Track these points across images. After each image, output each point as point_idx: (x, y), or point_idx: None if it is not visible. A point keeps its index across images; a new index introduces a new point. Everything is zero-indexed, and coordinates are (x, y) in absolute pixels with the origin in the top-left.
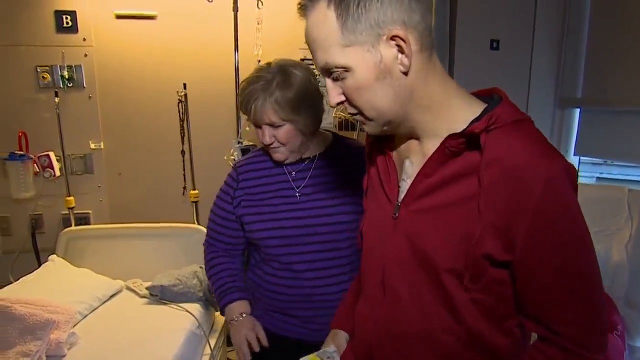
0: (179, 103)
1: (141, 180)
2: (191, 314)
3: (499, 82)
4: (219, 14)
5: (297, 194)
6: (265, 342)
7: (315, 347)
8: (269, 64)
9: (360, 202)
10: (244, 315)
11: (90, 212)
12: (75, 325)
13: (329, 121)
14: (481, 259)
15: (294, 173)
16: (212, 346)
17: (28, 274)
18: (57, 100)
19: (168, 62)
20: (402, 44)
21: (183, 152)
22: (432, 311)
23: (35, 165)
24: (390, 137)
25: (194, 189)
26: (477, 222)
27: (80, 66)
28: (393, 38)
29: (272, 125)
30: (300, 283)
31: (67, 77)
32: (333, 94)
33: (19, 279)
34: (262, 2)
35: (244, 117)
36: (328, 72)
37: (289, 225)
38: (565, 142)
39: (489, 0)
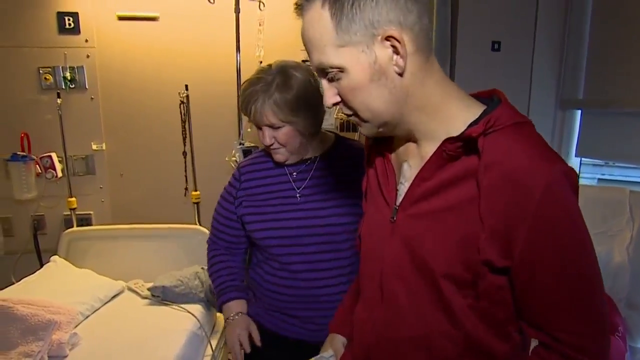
0: (180, 104)
1: (143, 181)
2: (192, 314)
3: (500, 83)
4: (220, 15)
5: (298, 195)
6: (258, 342)
7: (315, 347)
8: (269, 66)
9: (361, 203)
10: (239, 314)
11: (91, 212)
12: (76, 326)
13: (330, 122)
14: (479, 265)
15: (294, 174)
16: (213, 347)
17: (30, 275)
18: (59, 101)
19: (170, 63)
20: (396, 44)
21: (184, 153)
22: (430, 315)
23: (37, 166)
24: (389, 139)
25: (195, 190)
26: (476, 226)
27: (82, 67)
28: (388, 38)
29: (272, 127)
30: (298, 283)
31: (69, 78)
32: (328, 94)
33: (20, 280)
34: (263, 3)
35: (245, 118)
36: (323, 72)
37: (288, 225)
38: (567, 143)
39: (490, 1)
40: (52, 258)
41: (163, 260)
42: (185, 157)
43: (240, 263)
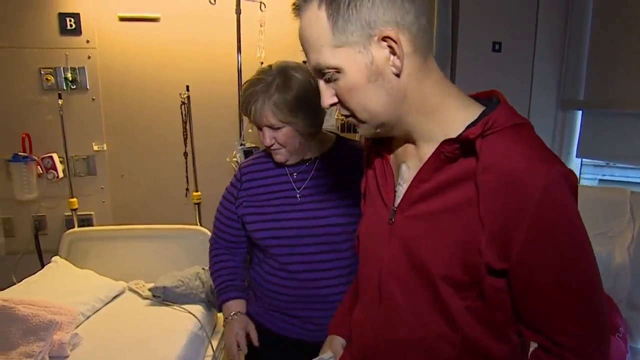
0: (181, 105)
1: (144, 181)
2: (193, 315)
3: (501, 84)
4: (221, 16)
5: (298, 195)
6: (255, 342)
7: (314, 347)
8: (270, 66)
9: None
10: (238, 314)
11: (92, 213)
12: (77, 326)
13: (330, 123)
14: (477, 267)
15: (295, 174)
16: (214, 347)
17: (31, 275)
18: (60, 102)
19: (171, 63)
20: (393, 45)
21: (185, 154)
22: (427, 317)
23: (39, 166)
24: (388, 140)
25: (196, 191)
26: (475, 228)
27: (84, 68)
28: (384, 39)
29: (272, 127)
30: (298, 283)
31: (70, 78)
32: (325, 95)
33: (21, 280)
34: (264, 4)
35: (246, 119)
36: (320, 72)
37: (288, 225)
38: (567, 144)
39: (491, 2)
40: (53, 258)
41: (164, 261)
42: (186, 158)
43: (241, 263)
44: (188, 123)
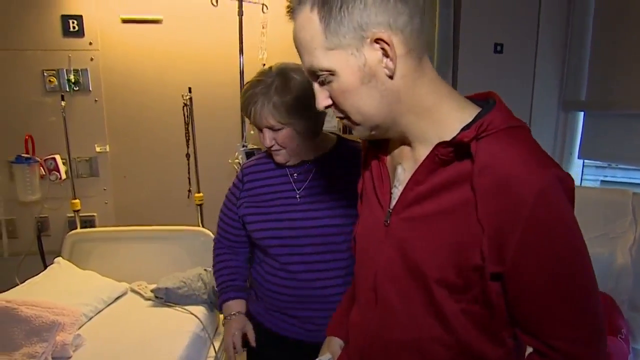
0: (183, 106)
1: (146, 183)
2: (195, 316)
3: (503, 85)
4: (223, 18)
5: (298, 196)
6: (252, 342)
7: (314, 347)
8: (270, 68)
9: None
10: (237, 314)
11: (95, 214)
12: (80, 327)
13: (332, 124)
14: (472, 270)
15: (295, 175)
16: (216, 348)
17: (34, 276)
18: (63, 103)
19: (173, 65)
20: (386, 47)
21: (188, 155)
22: (422, 320)
23: (41, 168)
24: (385, 142)
25: (199, 192)
26: (471, 231)
27: (86, 70)
28: (377, 41)
29: (272, 128)
30: (297, 284)
31: (73, 80)
32: (320, 97)
33: (24, 281)
34: (266, 6)
35: (248, 120)
36: (314, 75)
37: (287, 226)
38: (569, 145)
39: (493, 3)
40: (55, 259)
41: (166, 262)
42: (188, 159)
43: (243, 262)
44: (190, 124)
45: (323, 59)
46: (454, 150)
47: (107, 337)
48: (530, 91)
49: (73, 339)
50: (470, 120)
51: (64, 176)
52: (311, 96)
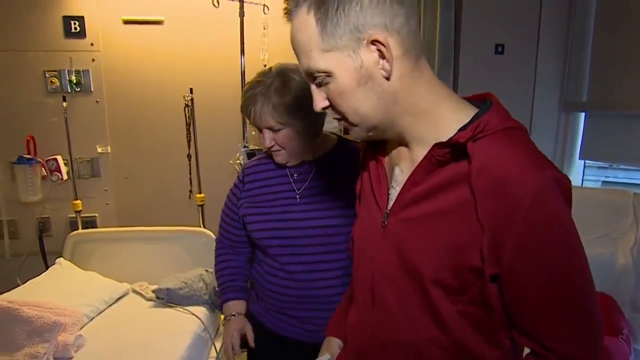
0: (185, 107)
1: (147, 183)
2: (197, 316)
3: (504, 86)
4: (225, 19)
5: (297, 196)
6: (251, 343)
7: (314, 347)
8: (269, 69)
9: None
10: (236, 315)
11: (96, 215)
12: (81, 328)
13: (333, 124)
14: (468, 271)
15: (295, 175)
16: (218, 349)
17: (35, 277)
18: (64, 104)
19: (174, 66)
20: (382, 48)
21: (189, 156)
22: (419, 321)
23: (43, 168)
24: (383, 143)
25: (200, 193)
26: (469, 232)
27: (88, 71)
28: (373, 42)
29: (272, 129)
30: (296, 284)
31: (74, 81)
32: (317, 98)
33: (26, 282)
34: (267, 7)
35: (249, 121)
36: (311, 76)
37: (287, 226)
38: (570, 146)
39: (494, 4)
40: (57, 260)
41: (167, 263)
42: (189, 160)
43: (244, 263)
44: (192, 125)
45: (320, 61)
46: (451, 151)
47: (109, 337)
48: (531, 92)
49: (74, 339)
50: (467, 121)
51: (65, 177)
52: (310, 97)
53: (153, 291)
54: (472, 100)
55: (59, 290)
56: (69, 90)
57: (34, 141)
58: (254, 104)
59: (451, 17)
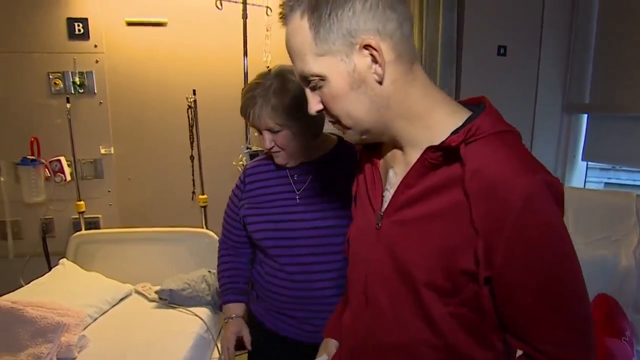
0: (188, 108)
1: (150, 184)
2: (199, 317)
3: (506, 87)
4: (228, 21)
5: (297, 197)
6: (249, 346)
7: (312, 348)
8: (269, 70)
9: None
10: (234, 317)
11: (100, 216)
12: (85, 328)
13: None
14: (460, 273)
15: (295, 176)
16: (220, 350)
17: (39, 277)
18: (68, 105)
19: (177, 68)
20: (374, 52)
21: (192, 157)
22: (411, 324)
23: (47, 169)
24: (378, 145)
25: (203, 194)
26: (461, 235)
27: (91, 72)
28: (366, 47)
29: (271, 130)
30: (294, 285)
31: (78, 83)
32: (312, 102)
33: (29, 282)
34: (270, 9)
35: None
36: (305, 80)
37: (285, 227)
38: (573, 147)
39: (496, 5)
40: (60, 261)
41: (170, 264)
42: (192, 161)
43: (245, 264)
44: (194, 126)
45: (313, 65)
46: (443, 155)
47: (112, 338)
48: (533, 93)
49: (78, 339)
50: (460, 124)
51: (68, 178)
52: None
53: (156, 292)
54: (466, 104)
55: (62, 290)
56: (73, 92)
57: (37, 142)
58: (252, 106)
59: (454, 18)
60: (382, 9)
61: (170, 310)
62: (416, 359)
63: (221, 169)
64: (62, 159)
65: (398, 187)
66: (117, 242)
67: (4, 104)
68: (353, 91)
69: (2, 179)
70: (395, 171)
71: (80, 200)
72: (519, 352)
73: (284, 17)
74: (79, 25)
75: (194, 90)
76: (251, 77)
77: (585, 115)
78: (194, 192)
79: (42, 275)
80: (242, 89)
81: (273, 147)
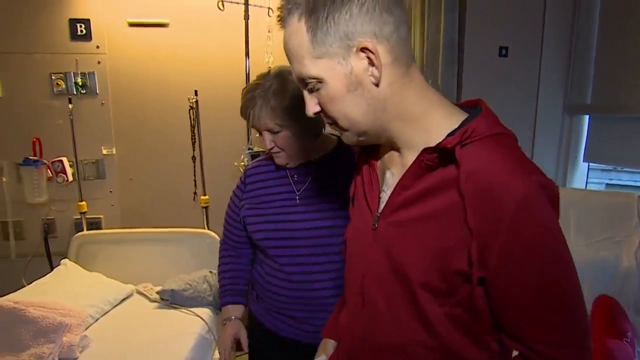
0: (189, 109)
1: (152, 185)
2: (201, 318)
3: (508, 88)
4: (230, 22)
5: (297, 197)
6: (245, 348)
7: (312, 348)
8: (268, 71)
9: None
10: (232, 319)
11: (101, 216)
12: (86, 328)
13: None
14: (454, 274)
15: (295, 176)
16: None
17: (40, 278)
18: (70, 106)
19: (179, 69)
20: (371, 55)
21: (194, 158)
22: (406, 324)
23: (49, 170)
24: (376, 147)
25: (204, 194)
26: (457, 236)
27: (93, 73)
28: (362, 50)
29: (271, 131)
30: (293, 285)
31: (80, 83)
32: (309, 104)
33: (31, 282)
34: (272, 10)
35: None
36: (303, 82)
37: (285, 227)
38: (574, 148)
39: (498, 6)
40: (62, 261)
41: (172, 264)
42: (194, 162)
43: (246, 265)
44: (196, 127)
45: (311, 67)
46: (439, 156)
47: (113, 338)
48: (535, 94)
49: (79, 340)
50: (456, 126)
51: (70, 178)
52: None
53: (157, 292)
54: (464, 106)
55: (64, 291)
56: (75, 93)
57: (39, 143)
58: (252, 107)
59: (455, 19)
60: (378, 12)
61: (172, 311)
62: (412, 359)
63: (223, 170)
64: (64, 159)
65: (394, 188)
66: (119, 242)
67: (6, 104)
68: (350, 93)
69: (4, 179)
70: (392, 172)
71: (82, 201)
72: (515, 353)
73: (282, 20)
74: (81, 26)
75: (196, 91)
76: (253, 78)
77: (587, 116)
78: (195, 193)
79: (44, 276)
80: (242, 90)
81: (273, 147)
